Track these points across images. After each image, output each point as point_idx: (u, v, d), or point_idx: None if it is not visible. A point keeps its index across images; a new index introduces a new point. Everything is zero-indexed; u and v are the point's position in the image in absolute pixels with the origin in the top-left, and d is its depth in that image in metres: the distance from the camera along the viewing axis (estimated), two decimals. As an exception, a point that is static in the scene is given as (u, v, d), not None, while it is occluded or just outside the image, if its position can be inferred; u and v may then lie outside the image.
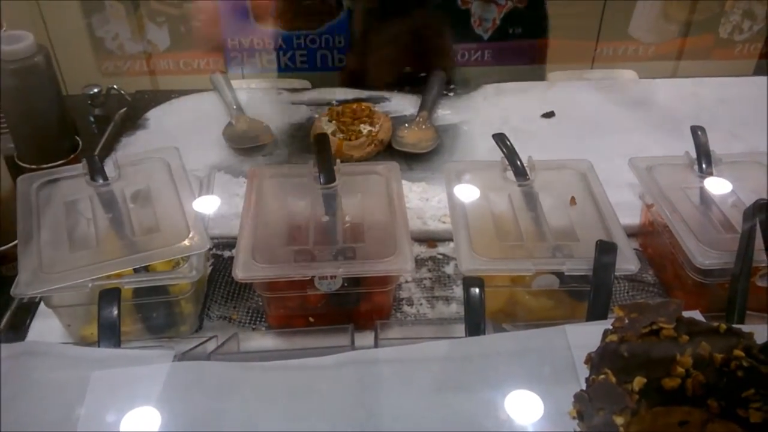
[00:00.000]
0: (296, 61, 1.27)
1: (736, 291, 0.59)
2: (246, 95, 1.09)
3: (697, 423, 0.41)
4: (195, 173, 0.73)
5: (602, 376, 0.40)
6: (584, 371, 0.47)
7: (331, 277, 0.62)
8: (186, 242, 0.63)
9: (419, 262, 0.77)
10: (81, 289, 0.60)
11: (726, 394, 0.41)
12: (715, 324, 0.43)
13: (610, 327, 0.43)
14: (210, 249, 0.73)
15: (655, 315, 0.42)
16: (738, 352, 0.41)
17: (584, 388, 0.43)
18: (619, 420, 0.38)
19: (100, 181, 0.70)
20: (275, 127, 1.00)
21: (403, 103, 1.07)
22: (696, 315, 0.47)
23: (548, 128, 1.01)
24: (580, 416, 0.40)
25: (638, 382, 0.40)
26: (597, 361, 0.41)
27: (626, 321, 0.42)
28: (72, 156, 0.95)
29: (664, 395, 0.40)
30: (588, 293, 0.59)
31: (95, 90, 1.06)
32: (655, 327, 0.41)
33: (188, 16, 1.96)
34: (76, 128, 1.01)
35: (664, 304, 0.43)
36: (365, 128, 0.94)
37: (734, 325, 0.43)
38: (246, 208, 0.68)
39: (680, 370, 0.41)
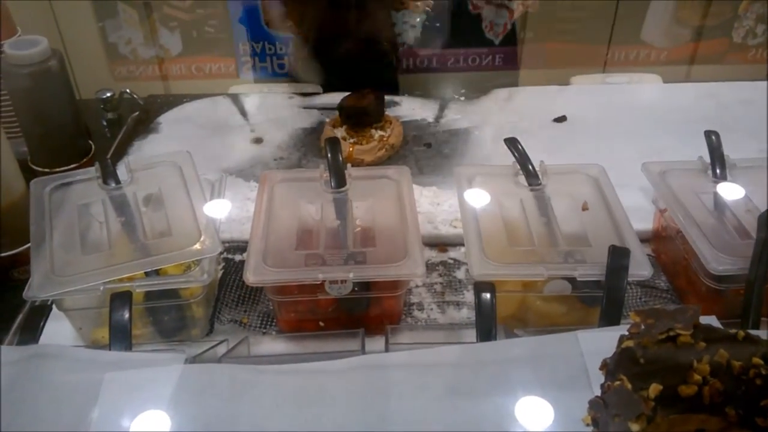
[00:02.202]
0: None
1: (751, 297, 0.58)
2: (257, 99, 1.09)
3: (714, 431, 0.40)
4: (206, 177, 0.74)
5: (618, 383, 0.40)
6: (596, 378, 0.46)
7: (342, 282, 0.62)
8: (197, 246, 0.63)
9: (430, 267, 0.76)
10: (93, 292, 0.60)
11: (744, 403, 0.40)
12: (733, 331, 0.42)
13: (626, 333, 0.42)
14: (221, 253, 0.73)
15: (672, 321, 0.41)
16: (757, 360, 0.40)
17: (598, 394, 0.43)
18: (635, 427, 0.38)
19: (113, 185, 0.70)
20: (286, 131, 1.01)
21: (414, 107, 1.06)
22: (713, 321, 0.47)
23: (560, 132, 1.00)
24: (595, 423, 0.40)
25: (654, 389, 0.39)
26: (612, 367, 0.41)
27: (642, 327, 0.42)
28: (85, 160, 0.96)
29: (680, 403, 0.40)
30: (600, 299, 0.58)
31: (108, 94, 1.07)
32: (671, 333, 0.41)
33: (200, 22, 1.98)
34: (88, 132, 1.01)
35: (680, 310, 0.42)
36: (377, 133, 0.94)
37: (751, 332, 0.42)
38: (257, 212, 0.68)
39: (697, 377, 0.40)
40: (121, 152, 0.97)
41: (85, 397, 0.49)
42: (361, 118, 0.94)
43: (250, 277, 0.61)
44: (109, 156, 0.96)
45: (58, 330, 0.67)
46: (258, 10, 1.03)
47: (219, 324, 0.70)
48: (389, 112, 1.02)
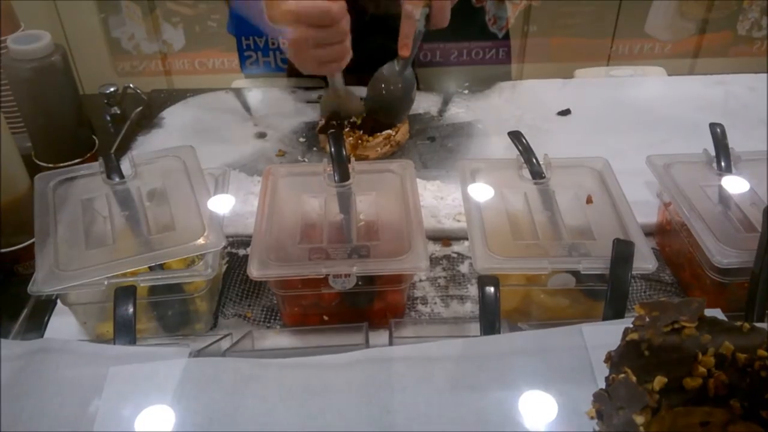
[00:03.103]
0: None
1: (755, 290, 0.58)
2: (260, 94, 1.09)
3: (718, 424, 0.40)
4: (210, 172, 0.74)
5: (622, 375, 0.40)
6: (601, 371, 0.46)
7: (345, 276, 0.62)
8: (201, 240, 0.63)
9: (434, 261, 0.76)
10: (97, 286, 0.60)
11: (749, 395, 0.40)
12: (738, 323, 0.42)
13: (631, 325, 0.42)
14: (225, 247, 0.73)
15: (677, 313, 0.41)
16: (762, 352, 0.40)
17: (602, 387, 0.43)
18: (640, 419, 0.38)
19: (117, 180, 0.70)
20: (289, 126, 1.01)
21: (419, 101, 1.06)
22: (718, 314, 0.47)
23: (564, 126, 1.00)
24: (600, 415, 0.39)
25: (659, 381, 0.39)
26: (617, 359, 0.41)
27: (647, 319, 0.42)
28: (88, 155, 0.96)
29: (685, 395, 0.40)
30: (605, 292, 0.58)
31: (111, 89, 1.07)
32: (676, 325, 0.41)
33: (203, 17, 1.98)
34: (92, 127, 1.01)
35: (685, 303, 0.42)
36: (384, 131, 0.93)
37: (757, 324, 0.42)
38: (260, 207, 0.68)
39: (702, 369, 0.40)
40: (124, 147, 0.97)
41: (89, 391, 0.50)
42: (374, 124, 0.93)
43: (254, 272, 0.61)
44: (112, 151, 0.96)
45: (62, 324, 0.68)
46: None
47: (223, 318, 0.70)
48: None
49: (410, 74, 0.92)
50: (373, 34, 0.95)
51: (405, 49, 0.87)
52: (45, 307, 0.70)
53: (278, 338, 0.67)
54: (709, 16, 1.79)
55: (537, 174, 0.70)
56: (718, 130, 0.72)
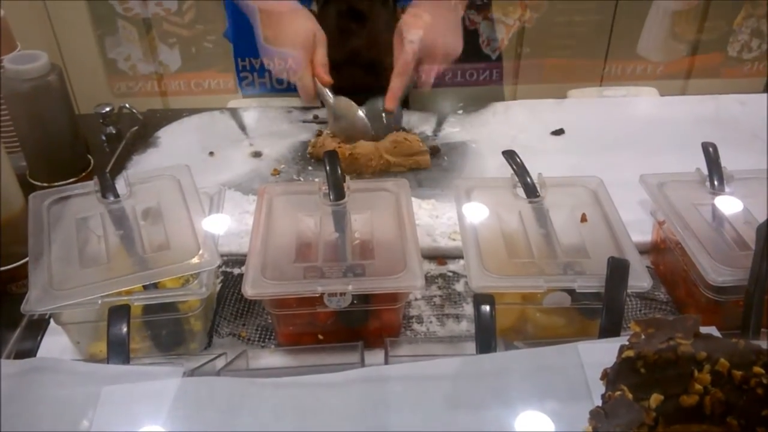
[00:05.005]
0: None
1: (750, 308, 0.58)
2: (256, 114, 1.09)
3: (715, 442, 0.40)
4: (205, 191, 0.74)
5: (619, 393, 0.39)
6: (597, 389, 0.46)
7: (341, 294, 0.62)
8: (196, 259, 0.63)
9: (429, 280, 0.76)
10: (90, 305, 0.60)
11: (745, 413, 0.40)
12: (734, 340, 0.42)
13: (627, 342, 0.42)
14: (219, 266, 0.73)
15: (672, 330, 0.41)
16: (758, 369, 0.40)
17: (598, 405, 0.43)
18: (636, 437, 0.37)
19: (111, 199, 0.70)
20: (285, 145, 1.01)
21: (413, 121, 1.07)
22: (713, 332, 0.47)
23: (558, 145, 1.00)
24: (596, 434, 0.39)
25: (655, 399, 0.39)
26: (613, 377, 0.41)
27: (643, 336, 0.42)
28: (83, 174, 0.96)
29: (681, 413, 0.40)
30: (600, 311, 0.58)
31: (107, 109, 1.07)
32: (672, 343, 0.41)
33: (199, 37, 1.99)
34: (87, 147, 1.01)
35: (681, 320, 0.42)
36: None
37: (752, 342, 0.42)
38: (256, 226, 0.68)
39: (698, 387, 0.40)
40: (120, 166, 0.97)
41: (83, 411, 0.49)
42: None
43: (249, 290, 0.61)
44: (107, 170, 0.96)
45: (55, 344, 0.67)
46: (248, 27, 1.04)
47: (217, 337, 0.70)
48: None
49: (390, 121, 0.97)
50: (364, 72, 0.98)
51: (391, 103, 0.94)
52: (38, 327, 0.69)
53: (273, 357, 0.67)
54: (699, 38, 1.82)
55: (531, 193, 0.71)
56: (711, 149, 0.73)
